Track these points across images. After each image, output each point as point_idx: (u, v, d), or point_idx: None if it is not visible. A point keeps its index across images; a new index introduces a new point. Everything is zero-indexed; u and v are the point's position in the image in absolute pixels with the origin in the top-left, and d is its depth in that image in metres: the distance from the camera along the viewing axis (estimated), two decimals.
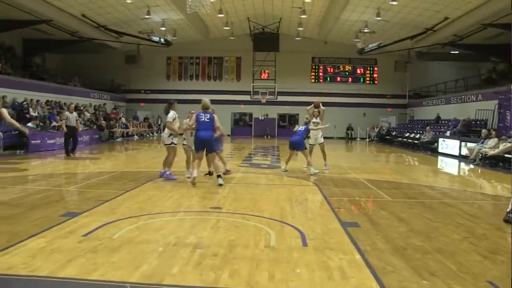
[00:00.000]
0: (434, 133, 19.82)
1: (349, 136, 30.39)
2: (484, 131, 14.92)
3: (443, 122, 22.43)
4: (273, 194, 7.57)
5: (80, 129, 15.06)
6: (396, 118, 30.56)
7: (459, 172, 13.39)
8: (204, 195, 7.18)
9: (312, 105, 11.20)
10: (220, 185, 7.90)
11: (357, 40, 24.68)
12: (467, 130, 18.00)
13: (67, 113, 13.87)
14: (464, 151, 15.51)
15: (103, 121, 22.69)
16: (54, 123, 17.53)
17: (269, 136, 30.50)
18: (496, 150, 12.67)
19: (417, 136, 21.53)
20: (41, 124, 16.86)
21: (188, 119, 8.82)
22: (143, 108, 30.68)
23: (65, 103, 21.01)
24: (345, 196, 7.53)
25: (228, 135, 25.58)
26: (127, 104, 31.03)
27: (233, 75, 31.34)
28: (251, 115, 31.89)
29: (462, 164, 14.44)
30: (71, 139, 13.64)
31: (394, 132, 26.32)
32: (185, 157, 9.12)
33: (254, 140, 26.79)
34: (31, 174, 9.73)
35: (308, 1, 20.66)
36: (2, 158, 12.33)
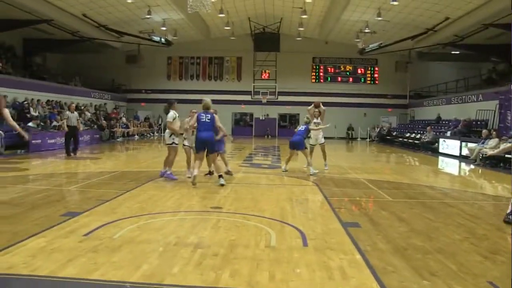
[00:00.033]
0: (434, 133, 19.80)
1: (350, 136, 30.38)
2: (484, 131, 14.91)
3: (443, 122, 22.42)
4: (273, 194, 7.57)
5: (81, 128, 15.07)
6: (397, 118, 30.54)
7: (459, 172, 13.38)
8: (205, 195, 7.18)
9: (313, 105, 11.19)
10: (222, 185, 7.89)
11: (358, 40, 24.67)
12: (468, 131, 17.98)
13: (68, 112, 13.87)
14: (465, 152, 15.50)
15: (104, 121, 22.70)
16: (54, 123, 17.54)
17: (269, 136, 30.50)
18: (496, 150, 12.67)
19: (418, 136, 21.52)
20: (41, 123, 16.87)
21: (189, 118, 8.80)
22: (144, 108, 30.69)
23: (65, 103, 21.02)
24: (345, 196, 7.52)
25: (229, 135, 25.47)
26: (127, 104, 31.04)
27: (233, 75, 31.34)
28: (251, 115, 31.90)
29: (463, 164, 14.43)
30: (72, 139, 13.64)
31: (395, 132, 26.31)
32: (185, 157, 9.12)
33: (254, 140, 26.79)
34: (32, 173, 9.74)
35: (309, 1, 20.66)
36: (3, 157, 12.33)
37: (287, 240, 4.60)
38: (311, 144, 10.82)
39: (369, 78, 30.94)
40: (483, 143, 14.18)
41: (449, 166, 14.75)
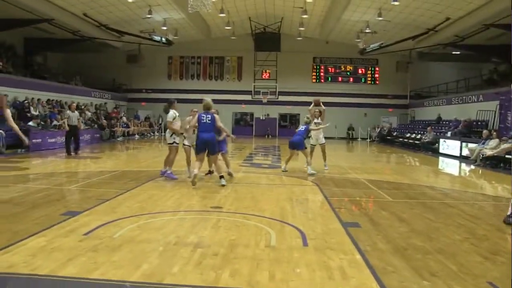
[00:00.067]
0: (435, 133, 19.80)
1: (350, 136, 30.37)
2: (485, 131, 14.90)
3: (444, 122, 22.42)
4: (273, 194, 7.57)
5: (82, 127, 15.08)
6: (397, 119, 30.53)
7: (460, 172, 13.38)
8: (205, 195, 7.18)
9: (312, 103, 11.14)
10: (223, 185, 7.89)
11: (358, 40, 24.66)
12: (468, 131, 17.98)
13: (69, 112, 13.87)
14: (465, 152, 15.50)
15: (104, 120, 22.71)
16: (55, 122, 17.55)
17: (270, 136, 30.50)
18: (495, 151, 12.68)
19: (418, 136, 21.51)
20: (42, 123, 16.88)
21: (190, 117, 8.79)
22: (144, 108, 30.69)
23: (66, 102, 21.03)
24: (345, 196, 7.52)
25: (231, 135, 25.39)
26: (128, 103, 31.04)
27: (234, 74, 31.34)
28: (252, 114, 31.89)
29: (463, 164, 14.42)
30: (72, 138, 13.64)
31: (395, 133, 26.30)
32: (185, 156, 9.09)
33: (255, 140, 26.79)
34: (32, 173, 9.74)
35: (309, 1, 20.64)
36: (3, 156, 12.34)
37: (287, 240, 4.60)
38: (311, 144, 10.82)
39: (369, 78, 30.92)
40: (483, 143, 14.17)
41: (449, 166, 14.75)
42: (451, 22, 19.84)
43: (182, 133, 8.87)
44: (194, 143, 8.40)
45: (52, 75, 23.40)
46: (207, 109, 8.05)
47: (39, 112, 17.75)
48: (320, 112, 10.86)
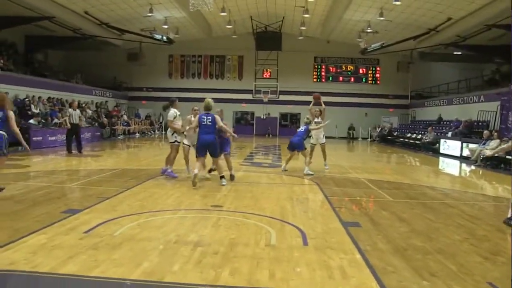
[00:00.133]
0: (435, 134, 19.79)
1: (351, 136, 30.35)
2: (486, 132, 14.89)
3: (445, 123, 22.39)
4: (274, 193, 7.57)
5: (83, 125, 15.07)
6: (398, 119, 30.50)
7: (460, 173, 13.37)
8: (205, 193, 7.19)
9: (312, 101, 11.07)
10: (223, 185, 7.88)
11: (359, 40, 24.63)
12: (469, 131, 17.96)
13: (70, 110, 13.86)
14: (466, 152, 15.49)
15: (105, 119, 22.72)
16: (56, 120, 17.56)
17: (270, 135, 30.49)
18: (493, 151, 12.67)
19: (419, 136, 21.50)
20: (42, 121, 16.88)
21: (191, 116, 8.77)
22: (145, 106, 30.67)
23: (66, 100, 21.03)
24: (346, 195, 7.52)
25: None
26: (129, 101, 31.03)
27: (235, 73, 31.32)
28: (253, 114, 31.87)
29: (464, 165, 14.42)
30: (74, 136, 13.64)
31: (396, 133, 26.29)
32: (183, 155, 9.03)
33: (255, 139, 26.79)
34: (33, 170, 9.76)
35: (311, 0, 20.62)
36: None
37: (287, 239, 4.60)
38: (311, 143, 10.80)
39: (370, 78, 30.88)
40: (484, 144, 14.17)
41: (449, 166, 14.74)
42: (452, 22, 19.81)
43: (183, 132, 8.85)
44: (195, 143, 8.32)
45: (53, 73, 23.40)
46: (207, 109, 7.93)
47: (39, 110, 17.75)
48: (320, 111, 10.84)
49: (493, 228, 5.36)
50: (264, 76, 29.88)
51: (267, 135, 30.41)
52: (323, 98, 11.12)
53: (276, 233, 4.80)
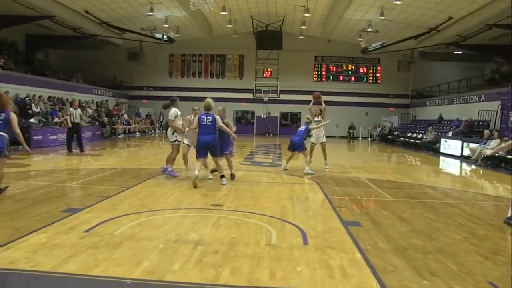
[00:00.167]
0: (436, 133, 19.77)
1: (351, 136, 30.33)
2: (486, 131, 14.89)
3: (445, 122, 22.39)
4: (274, 192, 7.57)
5: (83, 124, 15.07)
6: (398, 118, 30.48)
7: (460, 172, 13.37)
8: (206, 193, 7.19)
9: (312, 101, 11.04)
10: (224, 184, 7.88)
11: (360, 39, 24.61)
12: (470, 131, 17.95)
13: (71, 109, 13.86)
14: (466, 152, 15.48)
15: (105, 118, 22.72)
16: (56, 119, 17.56)
17: (271, 135, 30.49)
18: (493, 150, 12.66)
19: (419, 136, 21.49)
20: (43, 120, 16.89)
21: (191, 116, 8.76)
22: (145, 105, 30.68)
23: (67, 99, 21.04)
24: (346, 195, 7.52)
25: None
26: (129, 101, 31.03)
27: (235, 73, 31.30)
28: (253, 113, 31.86)
29: (464, 164, 14.41)
30: (74, 135, 13.64)
31: (396, 132, 26.28)
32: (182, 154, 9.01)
33: (256, 138, 26.79)
34: (33, 169, 9.76)
35: None
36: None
37: (288, 238, 4.60)
38: (312, 143, 10.79)
39: (371, 78, 30.87)
40: (484, 143, 14.16)
41: (450, 166, 14.74)
42: (453, 21, 19.78)
43: (183, 131, 8.82)
44: (195, 143, 8.26)
45: (53, 72, 23.40)
46: (207, 109, 7.90)
47: (40, 109, 17.76)
48: (320, 110, 10.83)
49: (493, 228, 5.36)
50: (265, 76, 29.88)
51: (267, 135, 30.41)
52: (324, 98, 11.10)
53: (276, 232, 4.80)
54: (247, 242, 4.38)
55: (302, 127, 10.42)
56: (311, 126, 10.44)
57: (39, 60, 23.95)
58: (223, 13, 21.89)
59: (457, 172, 13.44)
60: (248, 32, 28.33)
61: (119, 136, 22.61)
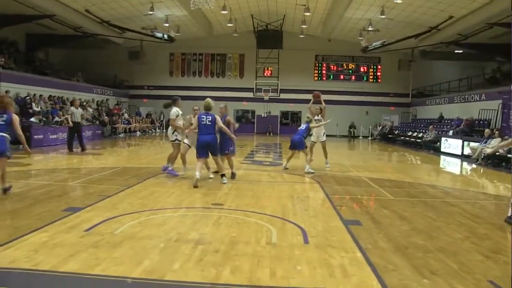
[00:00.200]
0: (436, 132, 19.75)
1: (352, 135, 30.34)
2: (487, 130, 14.87)
3: (446, 121, 22.37)
4: (275, 191, 7.57)
5: (84, 123, 15.07)
6: (399, 117, 30.48)
7: (461, 171, 13.36)
8: (206, 192, 7.19)
9: (312, 100, 11.03)
10: (224, 183, 7.87)
11: (361, 38, 24.59)
12: (470, 130, 17.94)
13: (72, 108, 13.86)
14: (467, 151, 15.47)
15: (106, 117, 22.73)
16: (57, 118, 17.57)
17: (271, 134, 30.50)
18: (494, 148, 12.63)
19: (420, 135, 21.47)
20: (44, 119, 16.90)
21: (191, 116, 8.75)
22: (146, 104, 30.70)
23: (67, 98, 21.05)
24: (347, 194, 7.51)
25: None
26: (129, 100, 31.04)
27: (236, 72, 31.30)
28: (253, 112, 31.86)
29: (465, 163, 14.40)
30: (75, 134, 13.65)
31: (397, 131, 26.27)
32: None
33: (256, 137, 26.79)
34: (34, 168, 9.76)
35: None
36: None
37: (288, 237, 4.60)
38: (312, 141, 10.79)
39: (371, 77, 30.86)
40: (485, 142, 14.14)
41: (451, 165, 14.73)
42: (454, 20, 19.75)
43: (183, 130, 8.82)
44: (195, 143, 8.24)
45: (54, 71, 23.40)
46: (207, 109, 7.88)
47: (41, 108, 17.77)
48: (320, 109, 10.82)
49: (494, 227, 5.36)
50: (265, 75, 29.89)
51: (268, 134, 30.41)
52: (324, 97, 11.09)
53: (277, 231, 4.80)
54: (247, 241, 4.38)
55: (303, 126, 10.41)
56: (311, 125, 10.43)
57: (40, 59, 23.95)
58: (223, 12, 21.88)
59: (457, 171, 13.43)
60: (248, 31, 28.32)
61: (120, 135, 22.62)
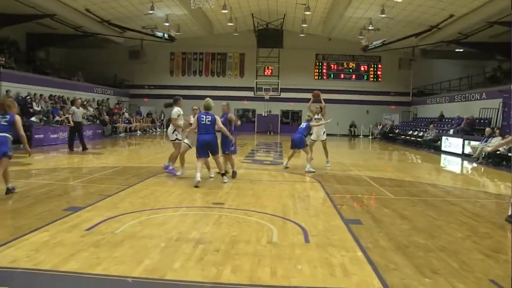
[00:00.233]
0: (437, 131, 19.74)
1: (352, 134, 30.34)
2: (487, 129, 14.86)
3: (446, 120, 22.36)
4: (275, 190, 7.57)
5: (85, 122, 15.06)
6: (400, 116, 30.48)
7: (462, 170, 13.36)
8: (207, 191, 7.19)
9: (312, 99, 11.03)
10: (225, 183, 7.88)
11: (361, 37, 24.57)
12: (471, 129, 17.93)
13: (73, 107, 13.86)
14: (468, 150, 15.47)
15: (106, 116, 22.74)
16: (57, 118, 17.58)
17: (272, 133, 30.50)
18: (494, 146, 12.62)
19: (420, 134, 21.47)
20: (44, 118, 16.90)
21: (190, 116, 8.75)
22: (146, 104, 30.71)
23: (68, 98, 21.05)
24: (347, 193, 7.52)
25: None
26: (130, 99, 31.06)
27: (236, 71, 31.30)
28: (254, 111, 31.87)
29: (465, 162, 14.40)
30: (76, 134, 13.65)
31: (397, 130, 26.26)
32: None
33: (257, 136, 26.79)
34: (35, 168, 9.76)
35: None
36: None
37: (289, 236, 4.60)
38: (312, 140, 10.79)
39: (372, 76, 30.85)
40: (486, 141, 14.13)
41: (451, 164, 14.71)
42: (454, 19, 19.73)
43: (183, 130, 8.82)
44: (195, 143, 8.23)
45: (54, 71, 23.41)
46: (207, 109, 7.88)
47: (41, 107, 17.78)
48: (320, 108, 10.82)
49: (495, 226, 5.35)
50: (266, 74, 29.89)
51: (268, 133, 30.41)
52: (325, 96, 11.10)
53: (277, 230, 4.80)
54: (248, 240, 4.39)
55: (303, 124, 10.41)
56: (312, 124, 10.44)
57: (40, 58, 23.96)
58: (224, 11, 21.87)
59: (458, 170, 13.43)
60: (249, 30, 28.31)
61: (120, 135, 22.63)
